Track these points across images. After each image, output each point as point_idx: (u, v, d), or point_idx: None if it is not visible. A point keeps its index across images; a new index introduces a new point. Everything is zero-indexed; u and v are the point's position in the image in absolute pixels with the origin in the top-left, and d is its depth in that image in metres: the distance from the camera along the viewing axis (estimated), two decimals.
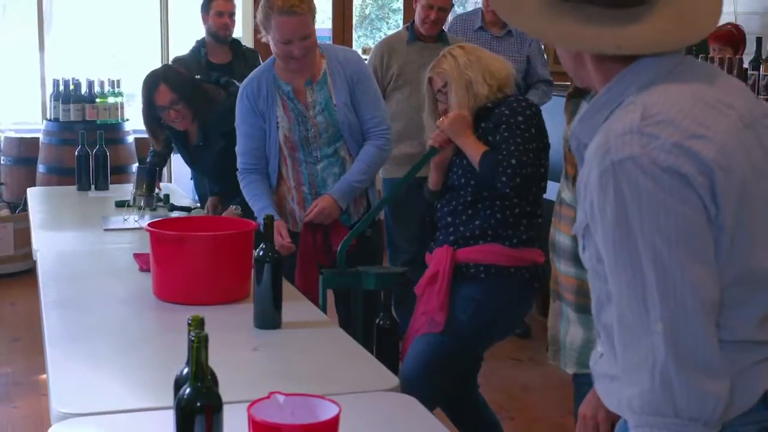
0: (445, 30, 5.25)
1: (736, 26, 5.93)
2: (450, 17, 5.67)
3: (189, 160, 4.29)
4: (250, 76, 3.71)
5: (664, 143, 1.43)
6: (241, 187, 3.69)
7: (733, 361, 1.48)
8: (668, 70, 1.54)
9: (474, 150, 3.09)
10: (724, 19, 6.23)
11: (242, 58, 5.46)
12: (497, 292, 3.09)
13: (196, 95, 3.96)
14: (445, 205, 3.21)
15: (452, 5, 5.23)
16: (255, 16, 3.57)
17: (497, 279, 3.08)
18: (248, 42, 7.13)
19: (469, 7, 9.67)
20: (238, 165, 3.69)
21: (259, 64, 4.89)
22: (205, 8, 5.52)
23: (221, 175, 4.07)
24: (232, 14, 5.55)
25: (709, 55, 5.49)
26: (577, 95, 2.47)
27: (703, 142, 1.44)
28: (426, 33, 5.00)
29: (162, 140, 4.16)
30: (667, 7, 1.54)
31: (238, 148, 3.70)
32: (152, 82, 3.92)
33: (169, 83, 3.90)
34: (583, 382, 2.43)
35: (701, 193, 1.43)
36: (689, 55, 1.60)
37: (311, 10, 3.47)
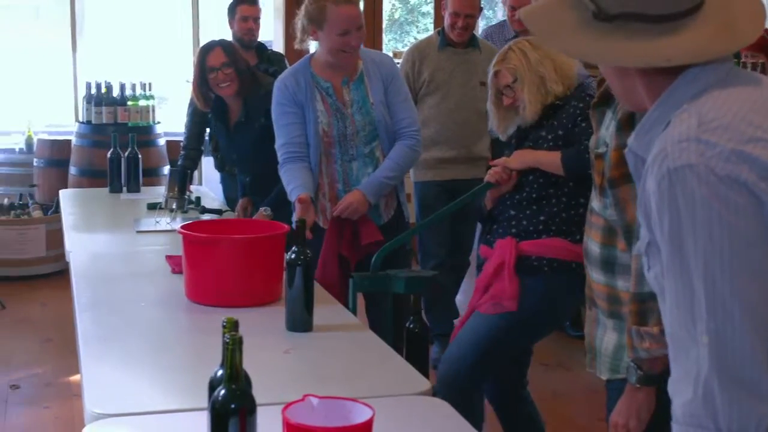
0: (477, 35, 5.25)
1: None
2: (481, 23, 5.65)
3: (227, 141, 4.33)
4: (285, 72, 3.77)
5: (723, 150, 1.41)
6: (280, 174, 3.69)
7: None
8: (719, 78, 1.52)
9: (551, 161, 3.13)
10: None
11: (267, 63, 5.48)
12: (558, 285, 3.12)
13: (246, 68, 4.19)
14: (508, 198, 3.23)
15: (481, 10, 5.21)
16: (295, 21, 3.60)
17: (559, 273, 3.10)
18: (278, 46, 7.16)
19: (499, 12, 9.66)
20: (279, 157, 3.69)
21: (285, 67, 4.93)
22: (231, 13, 5.56)
23: (257, 156, 4.12)
24: (257, 19, 5.58)
25: (741, 61, 5.44)
26: (602, 104, 2.46)
27: (762, 145, 1.41)
28: (456, 39, 5.00)
29: (208, 102, 4.24)
30: (711, 17, 1.52)
31: (278, 141, 3.69)
32: (209, 44, 4.20)
33: (225, 48, 4.15)
34: (615, 388, 2.42)
35: (764, 199, 1.40)
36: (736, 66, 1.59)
37: (359, 2, 3.59)
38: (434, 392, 2.39)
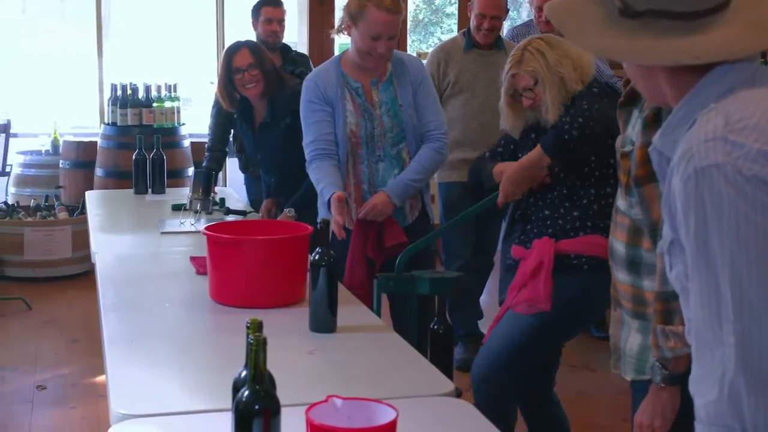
0: (503, 36, 5.23)
1: None
2: (505, 24, 5.63)
3: (252, 142, 4.33)
4: (316, 70, 3.77)
5: (750, 151, 1.40)
6: (309, 173, 3.66)
7: None
8: (746, 77, 1.50)
9: (533, 157, 3.15)
10: None
11: (292, 64, 5.49)
12: (596, 282, 3.08)
13: (272, 69, 4.20)
14: (540, 198, 3.22)
15: (507, 11, 5.19)
16: (344, 9, 3.62)
17: (597, 270, 3.08)
18: (302, 47, 7.18)
19: (523, 12, 9.63)
20: (308, 155, 3.65)
21: (310, 69, 4.93)
22: (255, 15, 5.57)
23: (282, 157, 4.13)
24: (281, 21, 5.59)
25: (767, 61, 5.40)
26: (628, 103, 2.45)
27: None
28: (482, 41, 4.98)
29: (233, 102, 4.24)
30: (739, 15, 1.51)
31: (306, 139, 3.66)
32: (235, 45, 4.21)
33: (251, 49, 4.16)
34: (640, 389, 2.40)
35: None
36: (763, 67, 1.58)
37: (402, 14, 3.57)
38: (457, 393, 2.39)
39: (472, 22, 5.00)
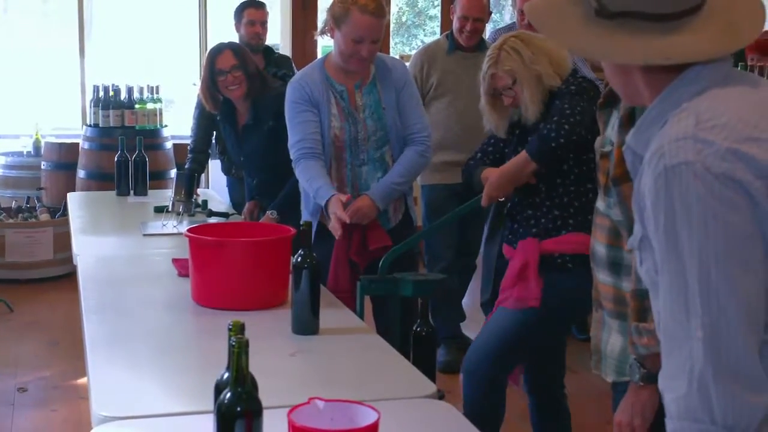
0: (486, 39, 5.24)
1: None
2: (488, 26, 5.64)
3: (235, 144, 4.33)
4: (301, 71, 3.77)
5: (719, 149, 1.43)
6: (296, 173, 3.64)
7: None
8: (718, 78, 1.54)
9: (518, 162, 3.17)
10: None
11: (274, 66, 5.48)
12: (582, 280, 3.10)
13: (255, 71, 4.18)
14: (523, 198, 3.24)
15: (490, 14, 5.20)
16: (327, 12, 3.61)
17: (584, 268, 3.09)
18: (285, 49, 7.18)
19: (506, 15, 9.65)
20: (293, 154, 3.62)
21: (293, 71, 4.93)
22: (238, 17, 5.56)
23: (265, 159, 4.14)
24: (264, 23, 5.59)
25: (748, 64, 5.44)
26: (608, 104, 2.46)
27: (758, 145, 1.44)
28: (465, 44, 4.99)
29: (216, 104, 4.23)
30: (713, 17, 1.55)
31: (292, 139, 3.63)
32: (219, 47, 4.19)
33: (234, 51, 4.15)
34: (621, 390, 2.41)
35: (758, 198, 1.42)
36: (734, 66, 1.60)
37: (386, 18, 3.56)
38: (440, 395, 2.39)
39: (455, 25, 5.01)
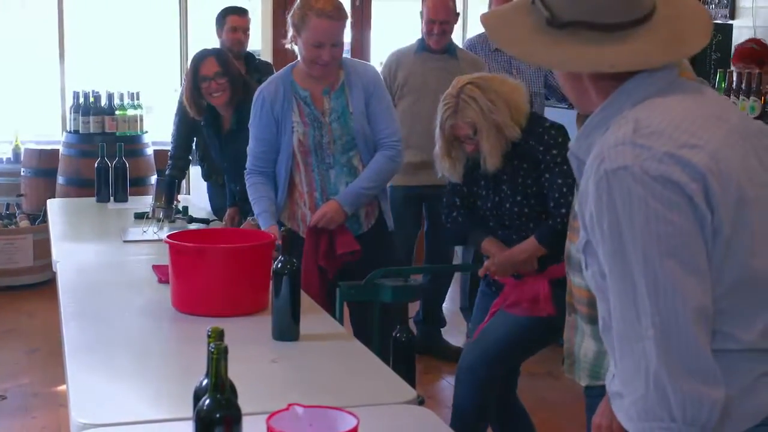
0: (460, 46, 5.26)
1: (758, 41, 5.84)
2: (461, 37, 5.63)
3: (219, 150, 4.33)
4: (268, 79, 3.80)
5: (656, 153, 1.47)
6: (246, 185, 3.75)
7: (739, 372, 1.50)
8: (661, 87, 1.59)
9: (527, 249, 3.21)
10: (744, 35, 6.19)
11: (256, 72, 5.48)
12: None
13: (238, 77, 4.21)
14: (513, 233, 3.28)
15: (457, 16, 5.21)
16: (288, 19, 3.63)
17: None
18: (266, 55, 7.18)
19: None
20: (247, 165, 3.77)
21: None
22: (220, 23, 5.56)
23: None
24: (246, 30, 5.60)
25: (735, 72, 5.45)
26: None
27: (695, 151, 1.48)
28: (434, 46, 5.04)
29: (200, 110, 4.24)
30: (659, 27, 1.60)
31: (249, 149, 3.76)
32: (202, 53, 4.22)
33: (217, 58, 4.17)
34: (595, 395, 2.43)
35: (696, 200, 1.46)
36: (682, 77, 1.65)
37: (345, 20, 3.59)
38: (420, 401, 2.40)
39: (423, 29, 5.06)
